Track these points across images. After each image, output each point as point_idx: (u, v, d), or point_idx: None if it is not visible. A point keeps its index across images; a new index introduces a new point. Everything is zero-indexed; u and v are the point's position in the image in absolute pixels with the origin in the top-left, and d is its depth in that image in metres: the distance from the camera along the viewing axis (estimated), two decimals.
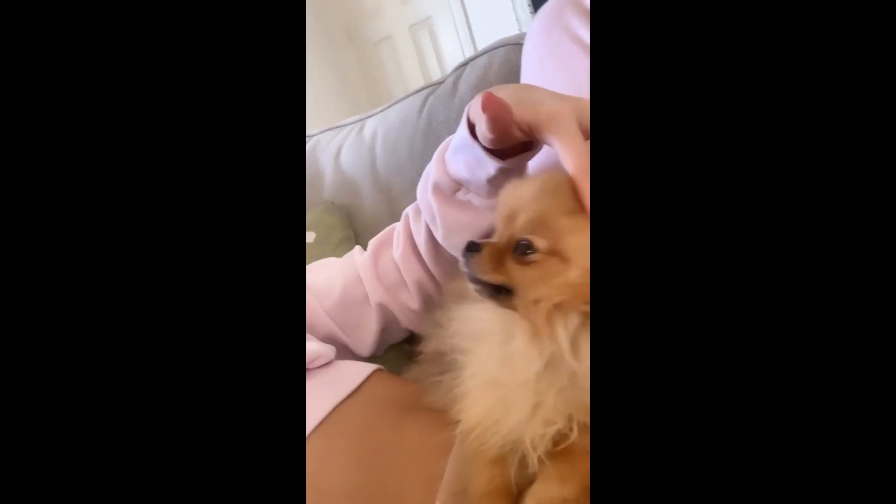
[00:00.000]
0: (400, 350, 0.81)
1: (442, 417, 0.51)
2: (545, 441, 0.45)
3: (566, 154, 0.48)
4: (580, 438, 0.44)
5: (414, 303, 0.75)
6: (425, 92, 1.06)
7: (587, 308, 0.43)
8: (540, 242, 0.45)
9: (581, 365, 0.43)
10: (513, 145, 0.55)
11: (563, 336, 0.43)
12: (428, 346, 0.59)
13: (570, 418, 0.44)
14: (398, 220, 0.96)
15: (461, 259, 0.48)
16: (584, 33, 0.72)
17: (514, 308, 0.46)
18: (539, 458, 0.45)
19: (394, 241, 0.76)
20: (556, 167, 0.49)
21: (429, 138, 1.01)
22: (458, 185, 0.62)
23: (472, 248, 0.47)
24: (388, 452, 0.57)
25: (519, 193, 0.48)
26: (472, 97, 0.98)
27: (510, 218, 0.47)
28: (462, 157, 0.59)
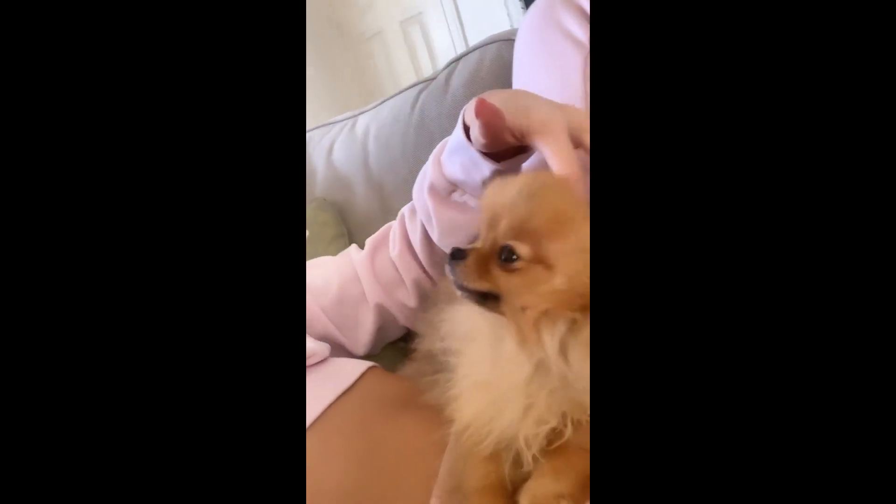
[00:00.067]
0: (395, 347, 0.81)
1: (437, 414, 0.51)
2: (539, 440, 0.45)
3: (555, 161, 0.49)
4: (574, 435, 0.44)
5: (412, 301, 0.75)
6: (417, 88, 1.06)
7: (574, 315, 0.43)
8: (523, 249, 0.44)
9: (571, 369, 0.43)
10: (507, 148, 0.56)
11: (550, 344, 0.44)
12: (422, 345, 0.59)
13: (563, 416, 0.45)
14: (391, 216, 0.96)
15: (447, 266, 0.47)
16: (576, 29, 0.72)
17: (501, 313, 0.46)
18: (534, 457, 0.45)
19: (390, 240, 0.77)
20: (541, 167, 0.50)
21: (421, 134, 1.01)
22: (454, 186, 0.63)
23: (456, 255, 0.47)
24: (384, 449, 0.58)
25: (500, 197, 0.47)
26: (465, 93, 0.99)
27: (493, 222, 0.47)
28: (458, 159, 0.60)
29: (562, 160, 0.49)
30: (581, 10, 0.73)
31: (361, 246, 0.82)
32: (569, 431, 0.44)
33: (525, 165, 0.60)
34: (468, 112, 0.56)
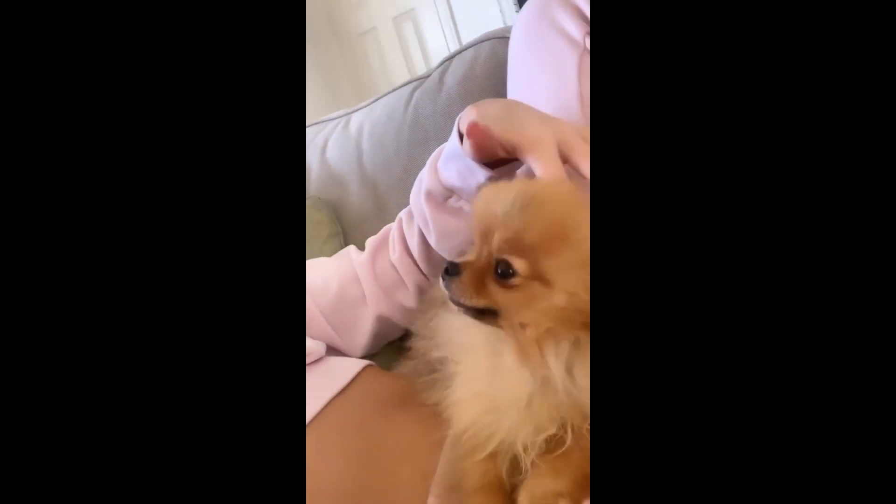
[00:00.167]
0: (391, 345, 0.81)
1: (434, 413, 0.51)
2: (536, 446, 0.45)
3: (544, 178, 0.50)
4: (574, 440, 0.44)
5: (412, 301, 0.75)
6: (411, 86, 1.06)
7: (577, 334, 0.42)
8: (519, 265, 0.43)
9: (577, 386, 0.42)
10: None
11: (556, 364, 0.43)
12: (418, 343, 0.59)
13: (563, 424, 0.44)
14: (386, 214, 0.96)
15: (441, 282, 0.46)
16: (571, 27, 0.73)
17: (499, 327, 0.45)
18: (532, 462, 0.45)
19: (390, 243, 0.77)
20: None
21: (415, 132, 1.01)
22: (450, 192, 0.64)
23: (451, 271, 0.45)
24: (382, 448, 0.58)
25: (493, 207, 0.45)
26: (459, 91, 0.99)
27: (486, 234, 0.45)
28: (454, 165, 0.61)
29: (550, 177, 0.49)
30: (576, 8, 0.73)
31: (357, 245, 0.82)
32: (569, 439, 0.44)
33: (520, 172, 0.61)
34: (463, 121, 0.57)
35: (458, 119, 0.60)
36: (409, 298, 0.76)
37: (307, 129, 1.22)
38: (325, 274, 0.77)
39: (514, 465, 0.46)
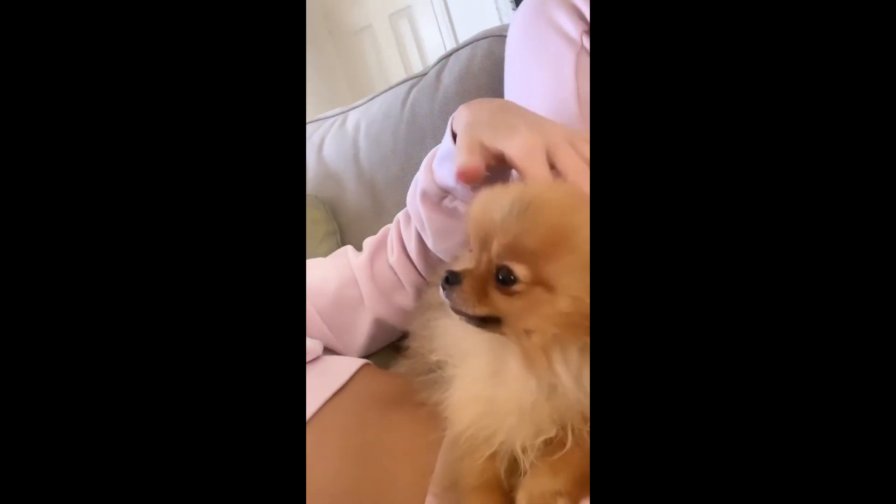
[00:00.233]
0: (389, 344, 0.81)
1: (432, 412, 0.51)
2: (536, 448, 0.44)
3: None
4: (574, 442, 0.44)
5: (410, 303, 0.75)
6: (408, 84, 1.06)
7: (585, 339, 0.41)
8: (521, 271, 0.42)
9: (586, 394, 0.42)
10: None
11: (564, 372, 0.42)
12: (415, 343, 0.59)
13: (563, 425, 0.44)
14: (383, 212, 0.95)
15: (441, 291, 0.45)
16: (568, 25, 0.72)
17: (503, 334, 0.44)
18: (531, 463, 0.45)
19: (388, 245, 0.77)
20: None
21: (412, 130, 1.01)
22: (445, 192, 0.64)
23: (451, 279, 0.44)
24: (379, 447, 0.58)
25: (490, 212, 0.44)
26: (456, 89, 0.98)
27: (484, 240, 0.44)
28: (448, 165, 0.60)
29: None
30: (573, 6, 0.73)
31: (353, 243, 0.82)
32: (570, 441, 0.43)
33: (515, 173, 0.60)
34: (457, 120, 0.57)
35: (451, 119, 0.59)
36: (407, 300, 0.75)
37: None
38: (322, 275, 0.77)
39: (513, 465, 0.46)
